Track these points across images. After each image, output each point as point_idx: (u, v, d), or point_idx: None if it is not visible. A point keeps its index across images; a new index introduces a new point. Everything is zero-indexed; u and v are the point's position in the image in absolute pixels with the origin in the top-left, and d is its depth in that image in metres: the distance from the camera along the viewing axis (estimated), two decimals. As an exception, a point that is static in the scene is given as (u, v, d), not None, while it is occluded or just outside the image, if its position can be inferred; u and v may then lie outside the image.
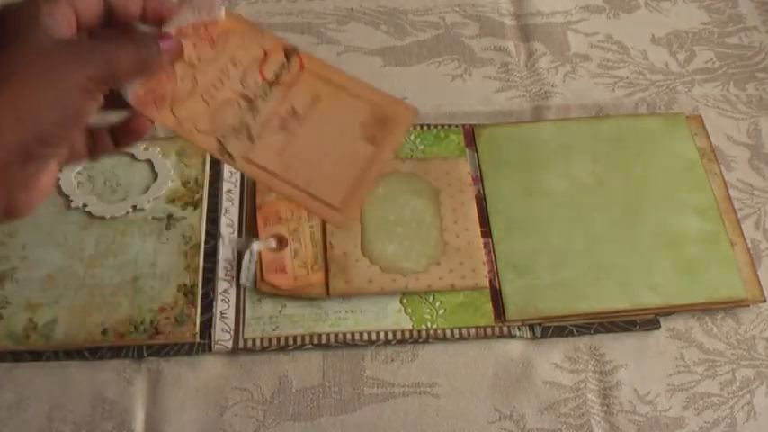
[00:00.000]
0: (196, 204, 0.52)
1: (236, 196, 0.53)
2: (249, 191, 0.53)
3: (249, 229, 0.52)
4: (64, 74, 0.31)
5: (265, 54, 0.36)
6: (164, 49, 0.35)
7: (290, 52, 0.37)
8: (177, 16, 0.35)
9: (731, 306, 0.50)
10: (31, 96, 0.30)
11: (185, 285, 0.49)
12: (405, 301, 0.49)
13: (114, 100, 0.34)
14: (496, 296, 0.49)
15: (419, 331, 0.48)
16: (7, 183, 0.31)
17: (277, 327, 0.48)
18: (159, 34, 0.35)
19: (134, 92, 0.34)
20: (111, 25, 0.34)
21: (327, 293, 0.48)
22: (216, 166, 0.54)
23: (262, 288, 0.48)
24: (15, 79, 0.30)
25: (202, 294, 0.49)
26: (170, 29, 0.35)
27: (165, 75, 0.35)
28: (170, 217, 0.51)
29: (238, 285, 0.49)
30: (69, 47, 0.32)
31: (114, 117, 0.35)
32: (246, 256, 0.49)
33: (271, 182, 0.35)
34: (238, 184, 0.54)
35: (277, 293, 0.48)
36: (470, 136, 0.56)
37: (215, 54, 0.36)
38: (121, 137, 0.36)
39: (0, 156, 0.30)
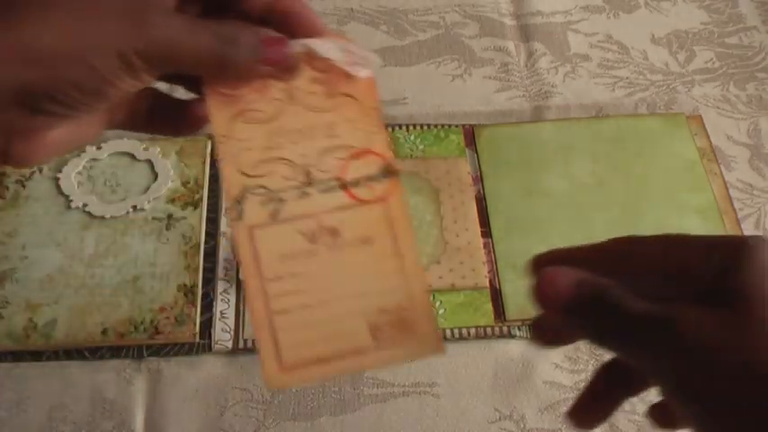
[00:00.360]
0: (196, 204, 0.52)
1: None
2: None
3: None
4: (103, 32, 0.24)
5: (363, 152, 0.29)
6: (265, 57, 0.27)
7: (387, 172, 0.28)
8: (318, 40, 0.28)
9: (731, 306, 0.50)
10: (51, 40, 0.24)
11: (185, 285, 0.49)
12: (405, 300, 0.49)
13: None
14: (496, 296, 0.49)
15: (419, 331, 0.48)
16: (5, 126, 0.25)
17: (277, 327, 0.48)
18: (268, 38, 0.26)
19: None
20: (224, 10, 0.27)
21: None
22: (216, 166, 0.54)
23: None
24: (40, 11, 0.24)
25: (202, 294, 0.49)
26: (296, 45, 0.27)
27: (255, 87, 0.28)
28: (170, 217, 0.52)
29: (238, 285, 0.49)
30: (132, 5, 0.25)
31: (182, 93, 0.31)
32: None
33: (248, 275, 0.27)
34: (238, 184, 0.54)
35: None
36: (470, 136, 0.56)
37: (319, 105, 0.29)
38: (180, 120, 0.30)
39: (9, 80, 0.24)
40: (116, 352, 0.47)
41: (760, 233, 0.53)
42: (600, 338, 0.24)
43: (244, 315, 0.48)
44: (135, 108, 0.30)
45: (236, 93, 0.28)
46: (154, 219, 0.51)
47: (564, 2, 0.66)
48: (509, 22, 0.65)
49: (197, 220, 0.51)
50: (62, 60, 0.24)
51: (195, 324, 0.47)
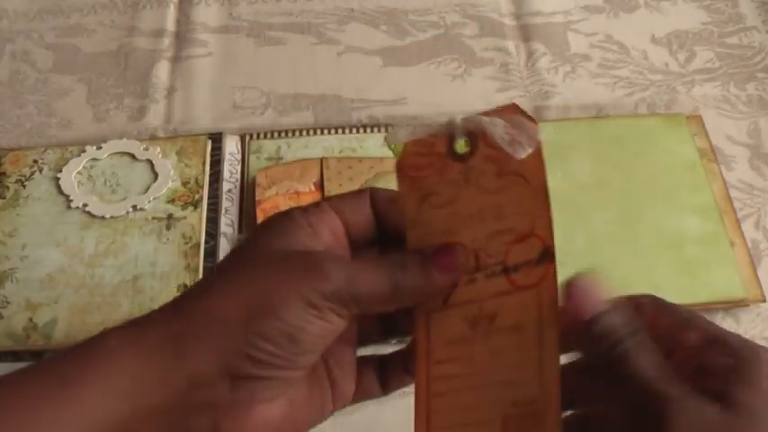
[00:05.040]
0: (196, 204, 0.52)
1: (235, 196, 0.53)
2: (249, 189, 0.53)
3: (249, 227, 0.51)
4: (288, 283, 0.25)
5: (526, 235, 0.27)
6: (437, 270, 0.27)
7: (544, 256, 0.27)
8: (487, 117, 0.26)
9: (731, 306, 0.50)
10: (240, 300, 0.25)
11: (185, 285, 0.49)
12: (405, 301, 0.49)
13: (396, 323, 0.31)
14: (496, 296, 0.49)
15: (419, 331, 0.48)
16: (212, 402, 0.25)
17: (277, 327, 0.48)
18: (436, 253, 0.27)
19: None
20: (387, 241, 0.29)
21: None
22: (216, 166, 0.54)
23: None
24: (229, 281, 0.26)
25: (202, 294, 0.49)
26: (471, 122, 0.27)
27: (435, 168, 0.28)
28: (170, 217, 0.51)
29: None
30: (307, 256, 0.26)
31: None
32: None
33: (419, 355, 0.27)
34: (238, 183, 0.54)
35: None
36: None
37: (490, 186, 0.27)
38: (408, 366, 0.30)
39: (200, 367, 0.25)
40: (116, 352, 0.47)
41: (760, 233, 0.53)
42: (594, 365, 0.26)
43: (244, 315, 0.48)
44: (364, 380, 0.31)
45: (420, 174, 0.28)
46: (154, 219, 0.51)
47: (564, 2, 0.66)
48: (509, 22, 0.65)
49: (197, 220, 0.51)
50: (253, 317, 0.25)
51: (195, 324, 0.47)
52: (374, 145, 0.55)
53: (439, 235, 0.28)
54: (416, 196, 0.28)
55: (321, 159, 0.53)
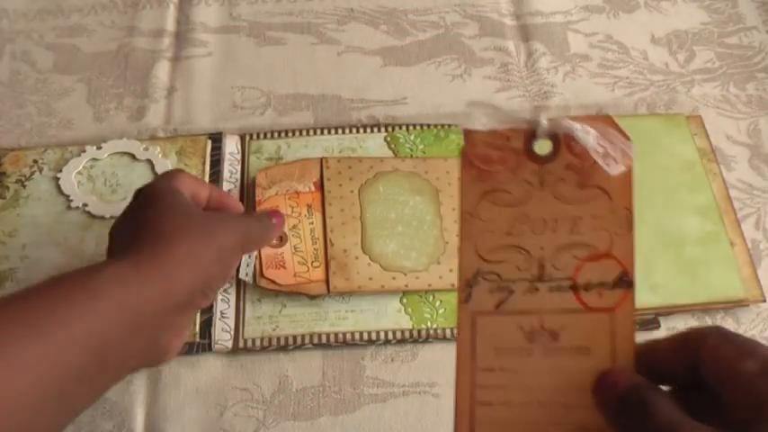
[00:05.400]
0: (196, 204, 0.52)
1: (235, 196, 0.53)
2: (249, 189, 0.53)
3: (249, 228, 0.51)
4: (222, 236, 0.37)
5: (602, 254, 0.26)
6: (277, 225, 0.44)
7: (621, 281, 0.26)
8: (579, 124, 0.26)
9: (731, 306, 0.50)
10: (201, 252, 0.35)
11: (185, 285, 0.49)
12: (405, 300, 0.49)
13: None
14: (496, 296, 0.49)
15: (419, 331, 0.48)
16: (170, 327, 0.36)
17: (277, 326, 0.48)
18: (271, 212, 0.45)
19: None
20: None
21: (327, 290, 0.48)
22: (216, 166, 0.54)
23: (261, 284, 0.48)
24: (185, 236, 0.35)
25: (202, 294, 0.49)
26: (560, 124, 0.26)
27: (509, 165, 0.27)
28: (170, 217, 0.51)
29: (238, 285, 0.49)
30: (216, 216, 0.40)
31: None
32: None
33: (461, 360, 0.27)
34: (238, 183, 0.54)
35: (276, 289, 0.48)
36: (470, 136, 0.56)
37: (568, 196, 0.26)
38: None
39: (173, 301, 0.34)
40: (116, 352, 0.47)
41: (760, 233, 0.53)
42: None
43: (244, 315, 0.48)
44: None
45: (489, 168, 0.27)
46: (154, 219, 0.51)
47: (564, 2, 0.66)
48: (509, 22, 0.65)
49: (197, 220, 0.51)
50: (209, 263, 0.36)
51: (195, 324, 0.47)
52: (374, 145, 0.55)
53: (500, 234, 0.27)
54: (479, 189, 0.27)
55: (321, 159, 0.53)
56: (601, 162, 0.25)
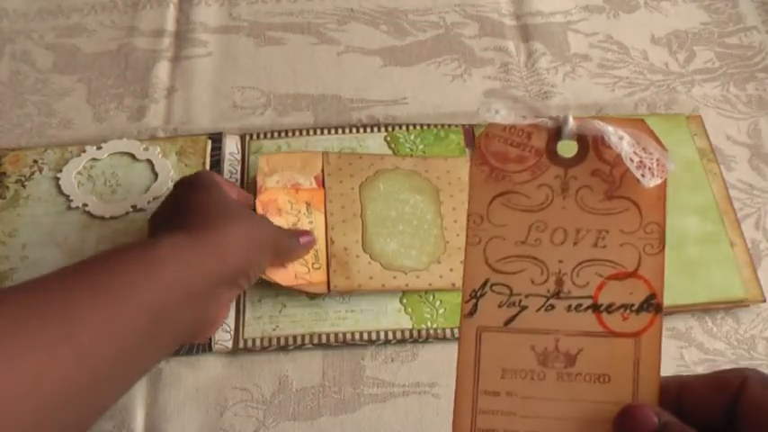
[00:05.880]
0: (196, 204, 0.52)
1: (236, 196, 0.53)
2: (249, 189, 0.53)
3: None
4: (262, 231, 0.41)
5: (628, 273, 0.24)
6: (303, 243, 0.46)
7: (649, 304, 0.24)
8: (612, 127, 0.23)
9: (731, 306, 0.50)
10: (246, 238, 0.38)
11: (185, 285, 0.49)
12: (405, 300, 0.49)
13: None
14: (497, 296, 0.49)
15: (419, 331, 0.48)
16: (218, 300, 0.39)
17: (277, 327, 0.48)
18: (299, 232, 0.47)
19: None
20: None
21: (327, 290, 0.48)
22: (216, 166, 0.54)
23: (261, 283, 0.48)
24: (233, 221, 0.38)
25: (202, 294, 0.49)
26: (590, 125, 0.24)
27: (528, 164, 0.24)
28: (170, 217, 0.51)
29: (238, 285, 0.49)
30: (255, 213, 0.46)
31: None
32: None
33: (462, 379, 0.24)
34: (238, 183, 0.54)
35: (277, 289, 0.48)
36: (470, 136, 0.56)
37: (594, 205, 0.24)
38: None
39: (222, 276, 0.37)
40: (116, 352, 0.47)
41: (760, 233, 0.53)
42: None
43: (244, 315, 0.48)
44: None
45: (505, 167, 0.24)
46: (154, 219, 0.51)
47: (564, 2, 0.66)
48: (509, 22, 0.65)
49: (197, 220, 0.51)
50: (252, 248, 0.40)
51: (195, 324, 0.47)
52: (374, 145, 0.55)
53: (514, 243, 0.24)
54: (492, 190, 0.24)
55: (322, 153, 0.53)
56: (635, 171, 0.23)
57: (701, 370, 0.48)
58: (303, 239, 0.46)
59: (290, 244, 0.45)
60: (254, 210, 0.48)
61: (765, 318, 0.50)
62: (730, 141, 0.58)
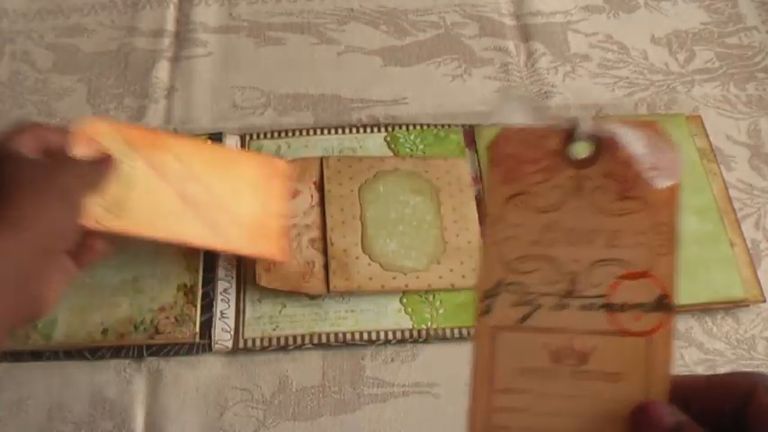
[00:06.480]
0: (196, 204, 0.52)
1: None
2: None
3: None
4: (62, 179, 0.38)
5: (640, 273, 0.24)
6: (104, 169, 0.41)
7: (661, 304, 0.24)
8: (624, 129, 0.24)
9: (731, 306, 0.50)
10: (43, 197, 0.37)
11: (185, 285, 0.49)
12: (405, 300, 0.49)
13: None
14: (496, 296, 0.49)
15: (419, 331, 0.48)
16: (39, 276, 0.37)
17: (277, 327, 0.48)
18: (99, 158, 0.41)
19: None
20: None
21: (327, 290, 0.48)
22: (216, 166, 0.54)
23: (262, 282, 0.48)
24: (25, 186, 0.36)
25: (202, 294, 0.49)
26: (604, 128, 0.24)
27: (542, 165, 0.25)
28: (170, 217, 0.51)
29: (238, 285, 0.49)
30: (55, 163, 0.39)
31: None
32: None
33: (477, 378, 0.25)
34: (238, 183, 0.54)
35: (277, 290, 0.48)
36: (470, 136, 0.56)
37: (607, 206, 0.24)
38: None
39: (30, 248, 0.36)
40: (116, 352, 0.47)
41: (760, 233, 0.53)
42: None
43: (244, 315, 0.48)
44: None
45: (519, 168, 0.25)
46: (154, 219, 0.51)
47: (564, 2, 0.66)
48: (509, 22, 0.65)
49: (197, 220, 0.51)
50: (59, 208, 0.37)
51: (195, 324, 0.47)
52: (374, 145, 0.55)
53: (528, 242, 0.24)
54: (507, 191, 0.25)
55: (321, 159, 0.53)
56: (647, 173, 0.23)
57: (700, 370, 0.48)
58: (101, 165, 0.41)
59: (94, 171, 0.41)
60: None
61: (765, 318, 0.50)
62: (730, 141, 0.58)
